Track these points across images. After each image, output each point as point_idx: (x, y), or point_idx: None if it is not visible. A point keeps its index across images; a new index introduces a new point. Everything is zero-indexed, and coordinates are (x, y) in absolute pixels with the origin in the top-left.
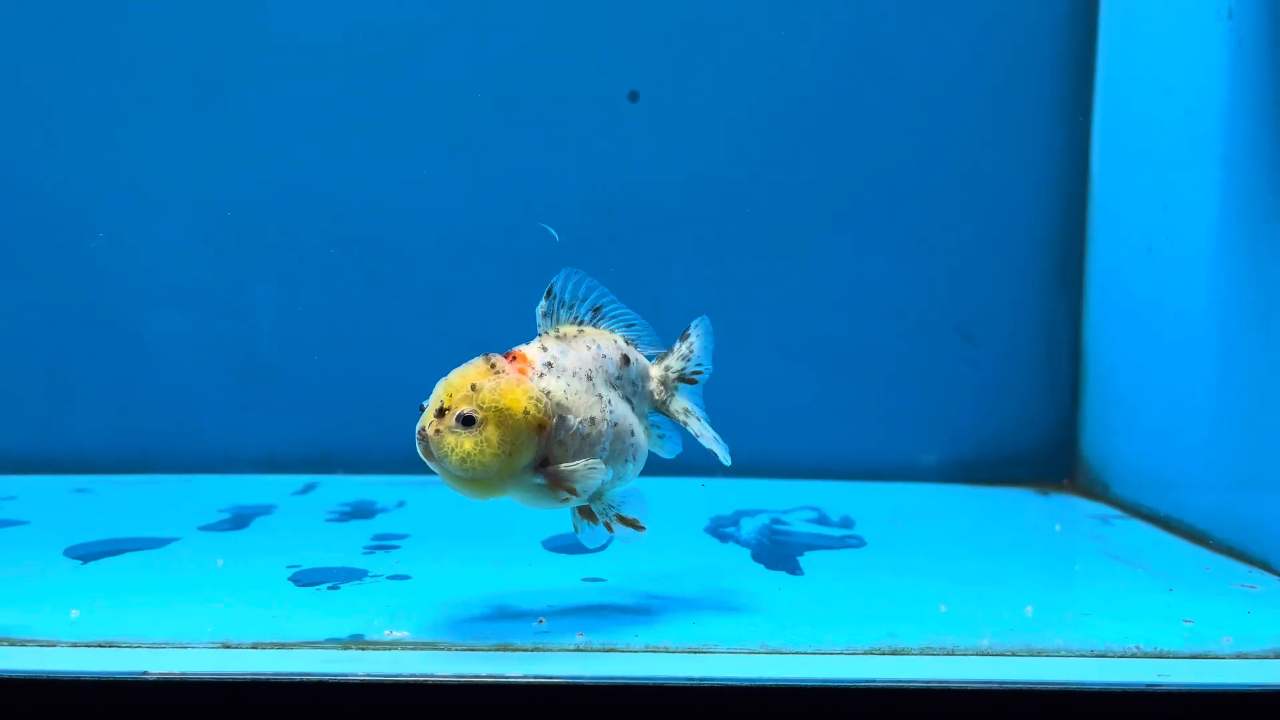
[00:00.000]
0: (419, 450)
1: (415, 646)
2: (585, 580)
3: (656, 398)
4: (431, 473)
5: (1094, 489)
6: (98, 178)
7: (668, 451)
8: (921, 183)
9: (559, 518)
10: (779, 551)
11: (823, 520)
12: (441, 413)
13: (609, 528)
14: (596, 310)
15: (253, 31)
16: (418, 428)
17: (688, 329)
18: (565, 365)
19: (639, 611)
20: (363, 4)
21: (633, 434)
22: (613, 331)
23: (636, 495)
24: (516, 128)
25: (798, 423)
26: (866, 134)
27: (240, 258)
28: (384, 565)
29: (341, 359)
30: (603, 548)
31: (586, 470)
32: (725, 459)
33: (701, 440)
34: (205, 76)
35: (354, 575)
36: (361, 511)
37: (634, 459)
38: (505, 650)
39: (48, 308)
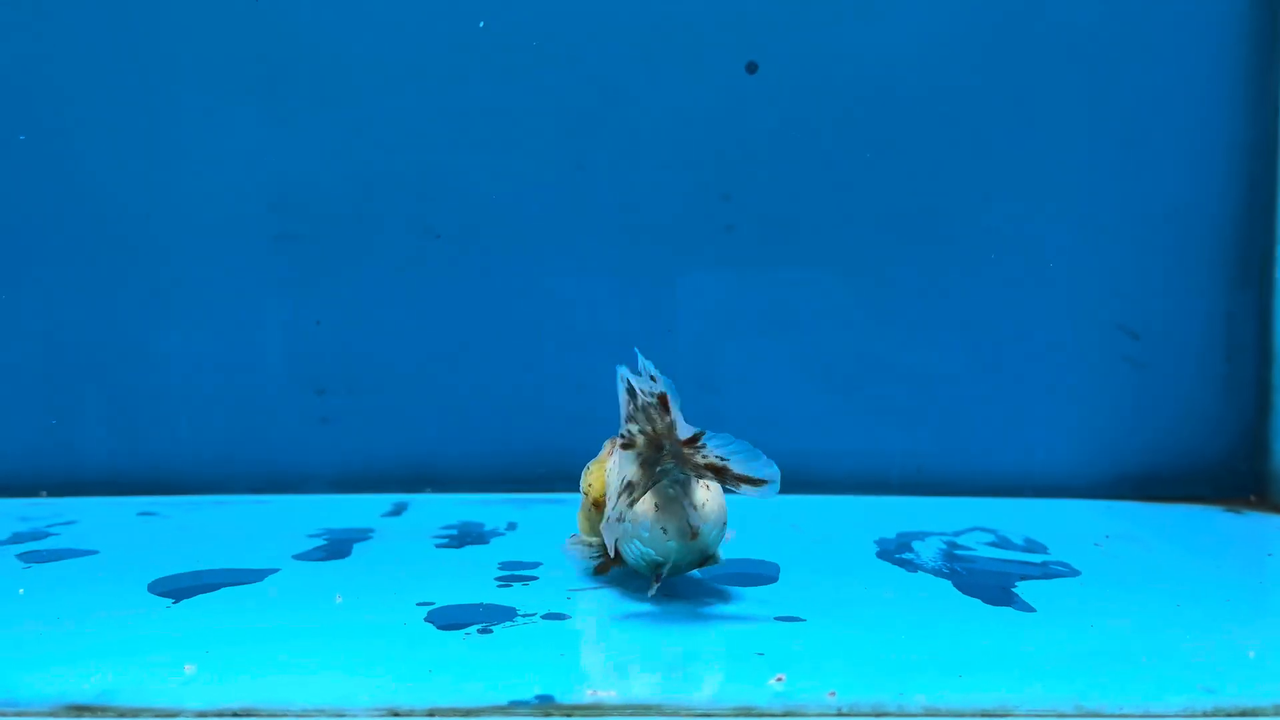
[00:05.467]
0: None
1: (632, 711)
2: (780, 619)
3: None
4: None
5: None
6: (157, 171)
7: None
8: (1080, 160)
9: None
10: (982, 582)
11: (1004, 543)
12: None
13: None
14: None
15: (315, 35)
16: None
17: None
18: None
19: (875, 659)
20: None
21: (620, 520)
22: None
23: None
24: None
25: (939, 432)
26: (1018, 105)
27: (315, 254)
28: (530, 601)
29: (430, 367)
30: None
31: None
32: (769, 493)
33: (740, 491)
34: (258, 76)
35: (501, 615)
36: (471, 535)
37: (639, 535)
38: (752, 716)
39: (100, 309)
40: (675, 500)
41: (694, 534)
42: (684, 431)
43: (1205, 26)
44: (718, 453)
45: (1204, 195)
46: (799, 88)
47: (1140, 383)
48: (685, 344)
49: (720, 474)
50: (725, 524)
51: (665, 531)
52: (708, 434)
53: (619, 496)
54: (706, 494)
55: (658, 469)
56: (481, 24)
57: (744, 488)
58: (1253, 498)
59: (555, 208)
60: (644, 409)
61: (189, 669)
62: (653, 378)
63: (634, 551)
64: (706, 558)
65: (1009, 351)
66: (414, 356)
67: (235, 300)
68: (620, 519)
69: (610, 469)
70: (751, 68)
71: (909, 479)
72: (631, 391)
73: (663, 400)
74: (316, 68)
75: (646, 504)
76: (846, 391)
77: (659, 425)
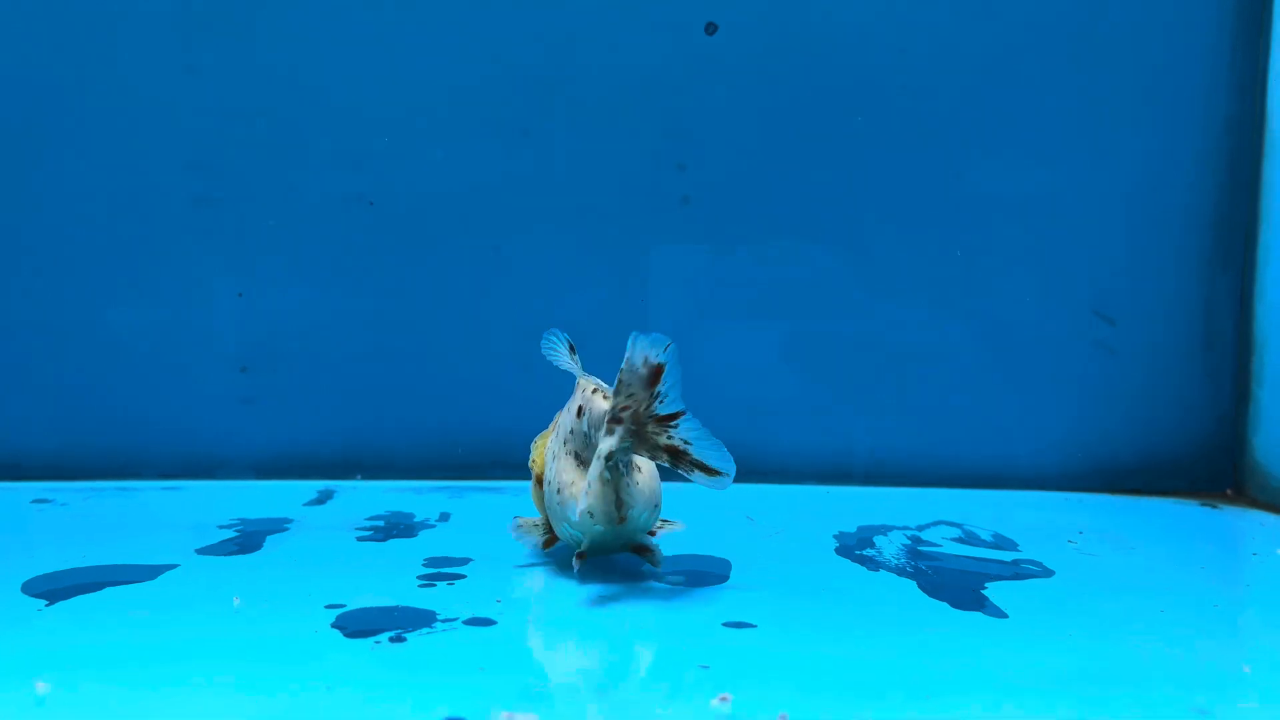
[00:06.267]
0: None
1: None
2: (728, 625)
3: (612, 444)
4: (468, 477)
5: (1273, 500)
6: (51, 116)
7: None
8: (1053, 135)
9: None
10: (949, 582)
11: (971, 539)
12: None
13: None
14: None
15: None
16: None
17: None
18: (559, 421)
19: (831, 676)
20: None
21: (559, 492)
22: (588, 379)
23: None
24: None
25: (903, 419)
26: (991, 76)
27: (237, 219)
28: (454, 603)
29: (362, 343)
30: None
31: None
32: (721, 485)
33: (693, 478)
34: (174, 19)
35: (419, 619)
36: (399, 527)
37: (567, 518)
38: None
39: None
40: (608, 483)
41: (621, 519)
42: (668, 407)
43: (1189, 4)
44: (683, 436)
45: (1182, 173)
46: (761, 50)
47: (1114, 370)
48: (638, 321)
49: (677, 457)
50: (657, 506)
51: (592, 515)
52: (686, 416)
53: (600, 461)
54: (640, 476)
55: (627, 443)
56: None
57: (697, 474)
58: (1229, 491)
59: (499, 175)
60: (631, 379)
61: (41, 687)
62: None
63: (564, 531)
64: (640, 546)
65: (977, 336)
66: (344, 332)
67: (148, 268)
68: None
69: (551, 443)
70: (710, 28)
71: (871, 469)
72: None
73: (655, 373)
74: (239, 13)
75: (577, 485)
76: (805, 376)
77: (640, 398)
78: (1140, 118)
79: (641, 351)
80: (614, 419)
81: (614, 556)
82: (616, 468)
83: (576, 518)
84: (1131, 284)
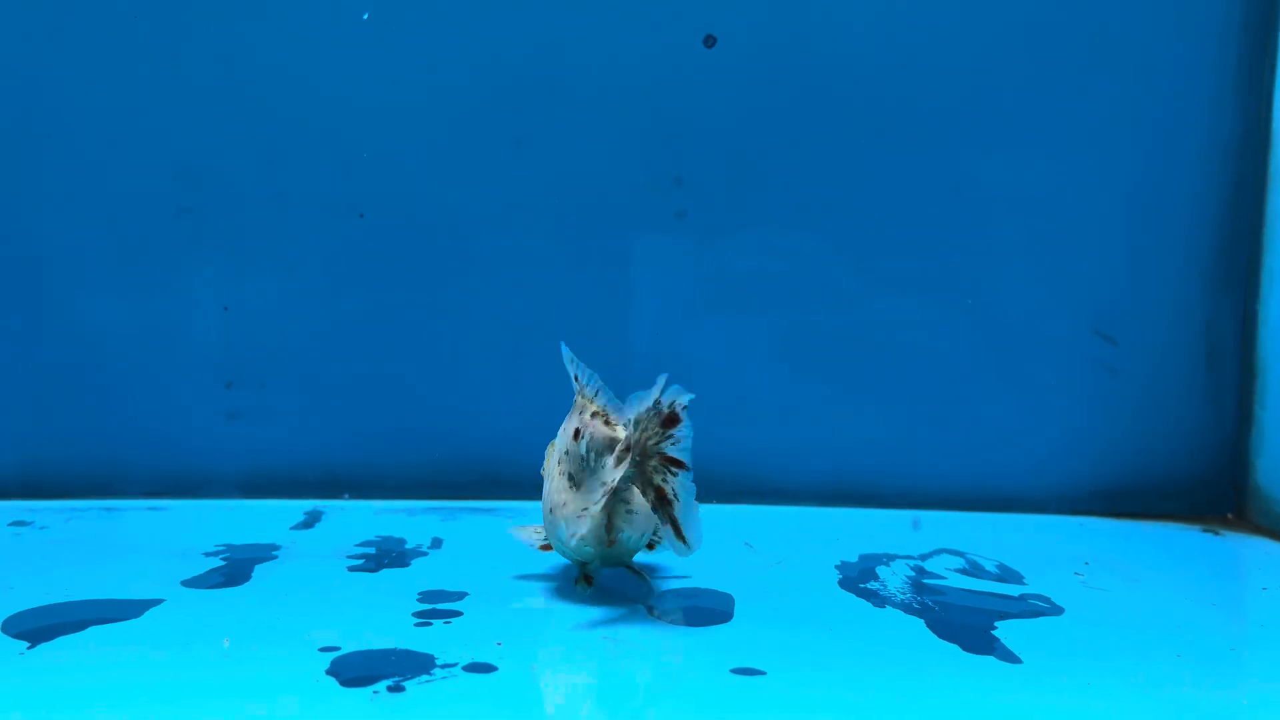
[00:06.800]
0: None
1: None
2: (736, 672)
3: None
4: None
5: (1275, 526)
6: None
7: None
8: (1055, 152)
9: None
10: (958, 621)
11: (976, 569)
12: None
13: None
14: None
15: None
16: None
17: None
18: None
19: None
20: None
21: (551, 511)
22: (592, 399)
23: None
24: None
25: (900, 442)
26: (990, 90)
27: (224, 231)
28: (452, 646)
29: (351, 359)
30: None
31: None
32: (681, 552)
33: (662, 531)
34: (161, 32)
35: (418, 665)
36: (391, 554)
37: (562, 538)
38: None
39: None
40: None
41: (611, 541)
42: (677, 452)
43: (1193, 13)
44: (675, 487)
45: (1185, 190)
46: (762, 63)
47: (1115, 390)
48: (623, 335)
49: (662, 503)
50: (648, 532)
51: (584, 539)
52: (688, 473)
53: (602, 499)
54: (637, 502)
55: (629, 473)
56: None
57: (668, 529)
58: (1230, 515)
59: (492, 187)
60: (649, 416)
61: None
62: (671, 402)
63: (556, 546)
64: (629, 566)
65: (975, 355)
66: (333, 347)
67: (132, 280)
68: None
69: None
70: (709, 41)
71: (867, 489)
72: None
73: (673, 417)
74: (226, 25)
75: (569, 507)
76: (799, 401)
77: (652, 434)
78: (1143, 131)
79: (670, 396)
80: (627, 448)
81: (618, 575)
82: (615, 494)
83: (567, 538)
84: (1133, 302)
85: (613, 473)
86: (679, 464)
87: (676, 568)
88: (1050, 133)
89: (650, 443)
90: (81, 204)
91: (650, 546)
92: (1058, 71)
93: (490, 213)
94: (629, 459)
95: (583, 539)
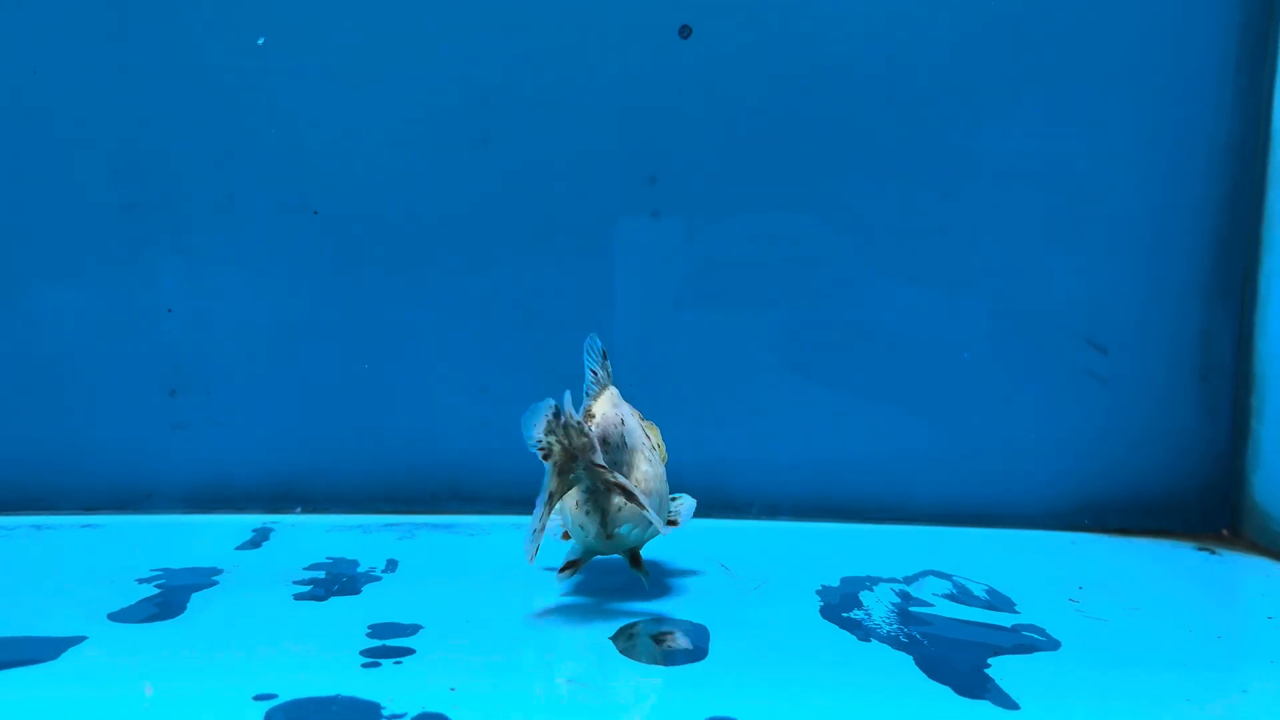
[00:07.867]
0: None
1: None
2: None
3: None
4: (418, 511)
5: (1272, 545)
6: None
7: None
8: (1046, 156)
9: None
10: (948, 657)
11: (964, 595)
12: None
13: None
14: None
15: None
16: None
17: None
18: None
19: None
20: None
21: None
22: (599, 397)
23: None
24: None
25: (882, 454)
26: (981, 93)
27: (168, 230)
28: (401, 691)
29: (303, 365)
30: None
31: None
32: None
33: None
34: (111, 36)
35: (361, 715)
36: (341, 579)
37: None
38: None
39: None
40: (594, 500)
41: (609, 535)
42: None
43: (1191, 18)
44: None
45: (1182, 199)
46: (738, 55)
47: (1106, 402)
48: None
49: (628, 495)
50: (648, 523)
51: (583, 529)
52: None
53: (541, 507)
54: (622, 500)
55: (570, 476)
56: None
57: (647, 513)
58: (1225, 531)
59: (455, 185)
60: (565, 426)
61: None
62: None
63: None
64: (632, 557)
65: (961, 364)
66: (284, 352)
67: (70, 281)
68: (541, 529)
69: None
70: (685, 31)
71: (849, 503)
72: (556, 411)
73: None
74: (171, 15)
75: (571, 499)
76: (771, 408)
77: (575, 441)
78: (1138, 141)
79: (567, 408)
80: (545, 454)
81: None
82: (595, 491)
83: (570, 526)
84: (1125, 312)
85: (554, 481)
86: (619, 487)
87: (648, 596)
88: (1043, 139)
89: (580, 455)
90: (15, 201)
91: (672, 522)
92: (1051, 76)
93: (454, 212)
94: (555, 473)
95: (582, 528)
